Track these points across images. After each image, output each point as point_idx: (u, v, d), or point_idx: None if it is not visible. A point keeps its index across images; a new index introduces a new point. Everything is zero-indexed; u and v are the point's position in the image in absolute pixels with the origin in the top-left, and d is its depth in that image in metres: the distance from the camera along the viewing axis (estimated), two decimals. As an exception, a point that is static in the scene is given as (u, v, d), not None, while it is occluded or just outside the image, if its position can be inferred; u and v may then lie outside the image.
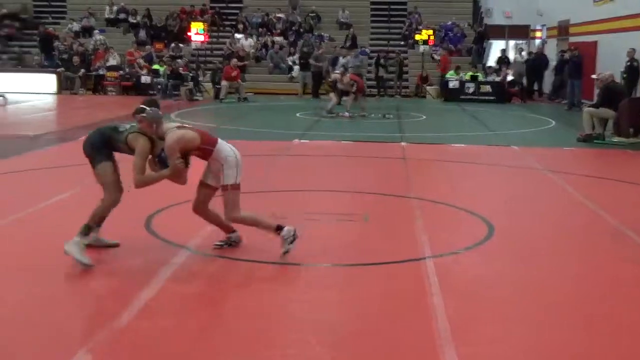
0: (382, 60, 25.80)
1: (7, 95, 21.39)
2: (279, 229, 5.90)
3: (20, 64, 27.06)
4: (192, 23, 26.61)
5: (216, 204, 6.13)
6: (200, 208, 6.06)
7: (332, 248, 6.56)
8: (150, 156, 5.70)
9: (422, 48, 26.73)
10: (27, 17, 30.40)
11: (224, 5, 30.82)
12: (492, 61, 27.98)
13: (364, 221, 7.59)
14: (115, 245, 6.14)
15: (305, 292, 5.40)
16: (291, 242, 5.93)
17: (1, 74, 25.27)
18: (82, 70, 25.42)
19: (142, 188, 5.71)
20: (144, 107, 5.67)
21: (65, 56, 26.27)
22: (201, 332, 4.59)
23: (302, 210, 7.94)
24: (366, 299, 5.24)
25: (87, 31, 28.91)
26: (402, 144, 13.63)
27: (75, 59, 25.57)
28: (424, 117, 19.58)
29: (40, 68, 26.32)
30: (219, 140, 5.93)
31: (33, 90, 24.19)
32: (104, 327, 4.50)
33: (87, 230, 5.66)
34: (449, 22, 28.89)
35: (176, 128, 5.80)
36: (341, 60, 24.07)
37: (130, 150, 5.67)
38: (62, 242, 5.66)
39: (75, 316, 4.84)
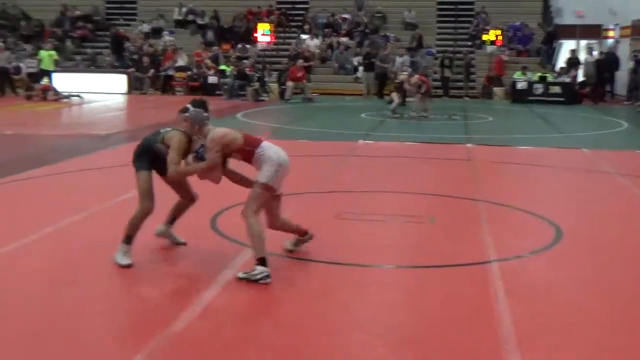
0: (446, 61, 25.57)
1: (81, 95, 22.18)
2: (260, 262, 5.32)
3: (92, 65, 27.80)
4: (259, 24, 26.89)
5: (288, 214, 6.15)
6: (275, 223, 5.90)
7: (396, 249, 6.54)
8: (187, 157, 5.69)
9: (489, 48, 26.38)
10: (99, 18, 31.21)
11: (290, 6, 31.02)
12: (562, 62, 27.38)
13: (429, 223, 7.53)
14: (183, 244, 6.23)
15: (369, 294, 5.39)
16: (251, 278, 5.27)
17: (75, 74, 26.09)
18: (151, 71, 25.98)
19: (180, 178, 5.75)
20: (189, 106, 5.62)
21: (135, 57, 26.90)
22: (262, 330, 4.63)
23: (367, 211, 7.93)
24: (430, 301, 5.20)
25: (156, 32, 29.50)
26: (468, 145, 13.47)
27: (145, 60, 26.15)
28: (491, 118, 19.30)
29: (112, 69, 27.02)
30: (264, 143, 5.65)
31: (104, 90, 24.88)
32: (168, 325, 4.59)
33: (127, 240, 5.69)
34: (518, 22, 28.39)
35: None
36: (398, 59, 23.79)
37: (168, 149, 5.63)
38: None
39: (138, 315, 4.95)
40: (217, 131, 5.54)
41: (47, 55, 23.61)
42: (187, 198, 6.09)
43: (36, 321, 4.66)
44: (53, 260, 5.93)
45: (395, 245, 6.70)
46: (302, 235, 6.13)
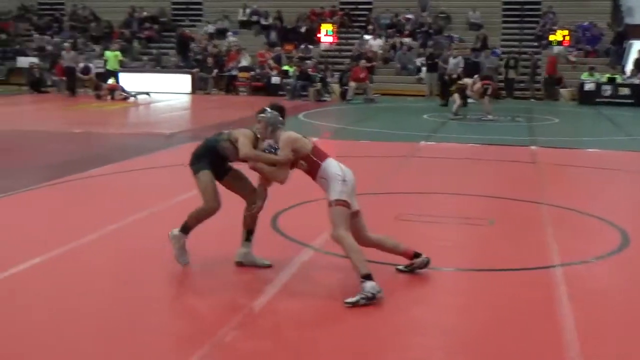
0: (512, 62, 25.17)
1: (143, 96, 22.67)
2: (366, 277, 5.00)
3: (158, 65, 28.35)
4: (322, 24, 26.96)
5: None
6: (361, 239, 5.48)
7: (456, 252, 6.47)
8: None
9: (556, 49, 25.84)
10: (166, 20, 31.80)
11: (353, 6, 31.02)
12: (631, 63, 26.60)
13: (489, 226, 7.43)
14: (268, 266, 5.77)
15: (428, 296, 5.35)
16: (365, 299, 4.93)
17: (141, 74, 26.65)
18: (215, 71, 26.33)
19: (253, 166, 5.49)
20: (267, 108, 5.60)
21: (199, 57, 27.31)
22: (320, 330, 4.64)
23: (427, 212, 7.87)
24: (490, 305, 5.12)
25: (221, 33, 29.89)
26: (532, 147, 13.23)
27: (209, 60, 26.52)
28: (557, 120, 18.91)
29: (176, 69, 27.49)
30: (330, 159, 5.45)
31: (169, 90, 25.35)
32: (226, 323, 4.64)
33: (185, 229, 5.62)
34: (586, 22, 27.74)
35: None
36: (452, 60, 23.40)
37: (234, 147, 5.51)
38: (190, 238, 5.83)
39: (196, 313, 5.01)
40: (292, 134, 5.47)
41: (112, 56, 24.14)
42: (251, 194, 5.79)
43: (96, 318, 4.78)
44: (115, 258, 6.05)
45: (455, 247, 6.63)
46: (411, 258, 5.67)
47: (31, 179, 9.50)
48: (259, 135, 5.54)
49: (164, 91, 25.19)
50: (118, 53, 24.52)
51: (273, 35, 29.50)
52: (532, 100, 24.73)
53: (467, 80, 18.56)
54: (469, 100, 18.96)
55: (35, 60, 27.66)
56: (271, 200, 7.27)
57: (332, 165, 5.38)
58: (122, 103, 22.04)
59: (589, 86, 23.80)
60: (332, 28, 26.45)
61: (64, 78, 24.71)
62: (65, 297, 5.12)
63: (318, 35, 26.90)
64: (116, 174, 10.03)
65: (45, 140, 13.85)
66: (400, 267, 5.73)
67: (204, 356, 4.12)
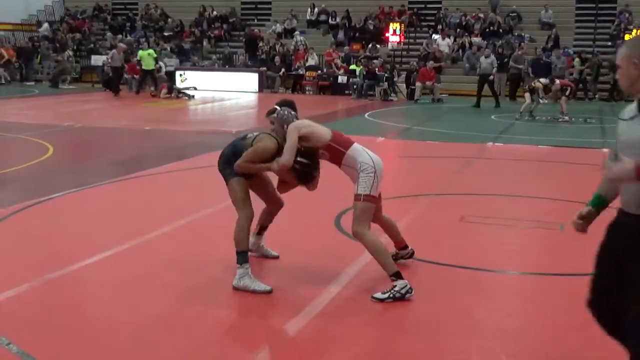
0: (588, 63, 24.64)
1: (210, 93, 22.97)
2: (395, 276, 5.01)
3: (227, 64, 28.74)
4: (390, 23, 26.88)
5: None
6: (374, 219, 5.49)
7: (522, 255, 6.40)
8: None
9: (631, 49, 25.09)
10: (235, 19, 32.22)
11: (422, 5, 30.82)
12: None
13: (558, 230, 7.30)
14: (275, 257, 5.94)
15: (491, 299, 5.30)
16: (393, 298, 4.96)
17: (210, 72, 27.10)
18: (283, 70, 26.55)
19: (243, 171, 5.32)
20: (276, 107, 5.45)
21: (267, 56, 27.57)
22: (381, 331, 4.66)
23: (493, 214, 7.79)
24: (554, 311, 5.04)
25: (289, 32, 30.12)
26: (604, 150, 12.91)
27: (277, 59, 26.75)
28: (631, 122, 18.36)
29: (245, 68, 27.83)
30: (355, 145, 5.26)
31: (237, 89, 25.70)
32: (289, 321, 4.71)
33: (242, 259, 5.22)
34: (664, 21, 26.89)
35: None
36: (483, 60, 22.74)
37: None
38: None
39: (259, 307, 5.08)
40: (298, 122, 5.27)
41: (146, 55, 23.88)
42: (273, 203, 5.79)
43: (160, 306, 4.91)
44: (184, 252, 6.18)
45: (521, 251, 6.55)
46: (400, 248, 5.83)
47: (105, 174, 9.81)
48: (274, 135, 5.33)
49: (232, 89, 25.56)
50: (152, 51, 24.46)
51: (341, 34, 29.57)
52: (601, 100, 24.18)
53: (543, 81, 18.12)
54: (542, 102, 18.59)
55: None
56: (335, 199, 7.35)
57: (361, 154, 5.18)
58: (182, 102, 22.43)
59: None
60: (400, 27, 26.33)
61: (136, 76, 25.29)
62: (134, 287, 5.27)
63: (386, 34, 26.82)
64: (185, 171, 10.25)
65: (117, 136, 14.26)
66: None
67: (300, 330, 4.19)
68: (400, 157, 12.34)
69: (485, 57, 22.49)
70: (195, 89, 24.08)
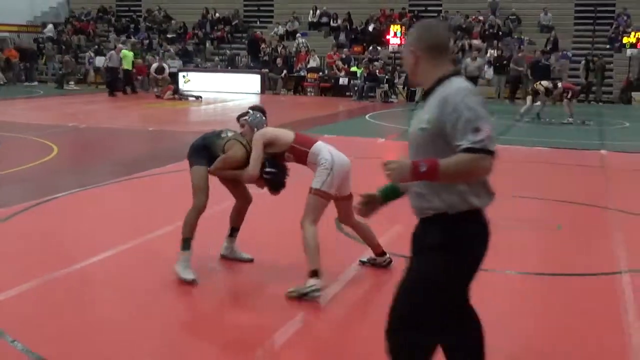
0: (590, 65, 24.64)
1: (213, 94, 22.97)
2: (313, 274, 4.93)
3: (229, 66, 28.75)
4: (391, 26, 26.87)
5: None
6: (345, 221, 5.63)
7: (520, 255, 6.38)
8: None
9: (629, 52, 25.13)
10: (238, 21, 32.23)
11: (423, 8, 30.81)
12: None
13: (556, 230, 7.30)
14: (249, 260, 5.86)
15: (488, 298, 5.28)
16: (298, 294, 4.92)
17: (213, 74, 27.10)
18: (285, 72, 26.55)
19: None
20: (249, 111, 5.51)
21: (269, 58, 27.56)
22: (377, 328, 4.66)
23: (493, 215, 7.76)
24: (552, 310, 5.05)
25: (290, 34, 30.13)
26: (602, 152, 12.92)
27: (279, 61, 26.76)
28: (628, 124, 18.40)
29: (247, 69, 27.83)
30: (319, 143, 5.31)
31: (240, 90, 25.70)
32: (292, 319, 4.71)
33: (184, 245, 5.37)
34: (662, 24, 26.88)
35: None
36: (470, 63, 22.52)
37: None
38: (262, 236, 5.87)
39: (264, 307, 5.09)
40: (262, 130, 5.32)
41: (130, 55, 24.62)
42: (242, 199, 5.81)
43: (163, 305, 4.91)
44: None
45: (520, 251, 6.53)
46: (378, 254, 5.73)
47: (109, 174, 9.82)
48: (243, 142, 5.40)
49: (235, 91, 25.55)
50: (131, 53, 24.95)
51: (342, 36, 29.57)
52: (600, 103, 24.13)
53: (545, 84, 18.02)
54: (536, 104, 18.57)
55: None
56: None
57: (322, 151, 5.22)
58: (186, 103, 22.45)
59: (663, 89, 23.10)
60: (400, 30, 26.33)
61: (138, 77, 25.33)
62: (142, 287, 5.28)
63: (387, 37, 26.82)
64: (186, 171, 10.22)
65: (121, 137, 14.26)
66: (363, 260, 5.78)
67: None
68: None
69: (472, 60, 22.43)
70: (200, 98, 23.87)
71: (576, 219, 7.89)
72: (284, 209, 6.63)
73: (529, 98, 18.25)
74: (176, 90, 23.68)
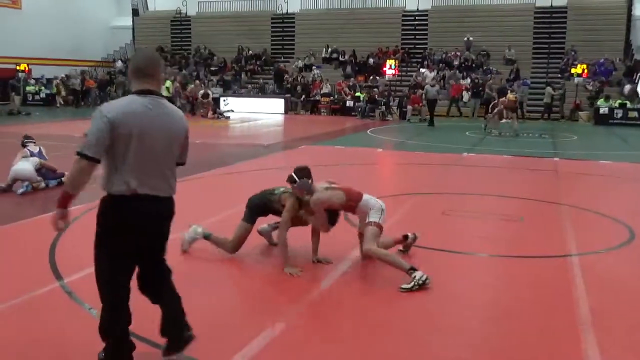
0: (554, 91, 24.65)
1: (246, 114, 22.95)
2: (412, 269, 4.83)
3: (260, 92, 28.76)
4: (387, 60, 26.81)
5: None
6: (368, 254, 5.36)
7: (491, 241, 6.32)
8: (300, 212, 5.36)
9: (576, 80, 24.95)
10: (266, 57, 32.25)
11: (412, 45, 30.72)
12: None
13: (519, 221, 7.22)
14: (275, 245, 5.71)
15: (465, 275, 5.24)
16: (417, 285, 4.74)
17: (247, 98, 27.15)
18: (303, 96, 26.53)
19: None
20: (295, 178, 5.21)
21: (291, 86, 27.56)
22: (372, 303, 4.60)
23: (468, 209, 7.72)
24: (517, 285, 4.98)
25: (308, 67, 30.10)
26: (555, 159, 12.79)
27: (299, 88, 26.75)
28: (575, 137, 18.22)
29: (273, 94, 27.84)
30: (364, 196, 5.30)
31: (267, 111, 25.71)
32: (301, 297, 4.64)
33: (207, 238, 5.56)
34: (602, 59, 26.63)
35: (325, 189, 5.29)
36: (430, 89, 22.28)
37: (283, 208, 5.34)
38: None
39: (277, 286, 5.03)
40: (322, 197, 5.19)
41: (168, 84, 24.71)
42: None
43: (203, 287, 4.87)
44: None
45: (490, 238, 6.47)
46: (400, 242, 5.70)
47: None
48: (294, 197, 5.29)
49: (264, 112, 25.58)
50: (170, 82, 25.04)
51: (348, 68, 29.53)
52: (562, 119, 24.04)
53: (504, 99, 18.26)
54: (503, 120, 18.50)
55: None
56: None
57: (369, 202, 5.27)
58: (223, 121, 22.45)
59: (603, 110, 22.88)
60: (394, 63, 26.25)
61: (186, 102, 25.43)
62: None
63: (384, 68, 26.74)
64: (226, 175, 10.24)
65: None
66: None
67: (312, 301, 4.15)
68: (395, 164, 12.27)
69: (432, 86, 22.35)
70: (232, 111, 24.17)
71: (535, 213, 7.81)
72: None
73: (489, 116, 18.28)
74: (214, 110, 23.91)
